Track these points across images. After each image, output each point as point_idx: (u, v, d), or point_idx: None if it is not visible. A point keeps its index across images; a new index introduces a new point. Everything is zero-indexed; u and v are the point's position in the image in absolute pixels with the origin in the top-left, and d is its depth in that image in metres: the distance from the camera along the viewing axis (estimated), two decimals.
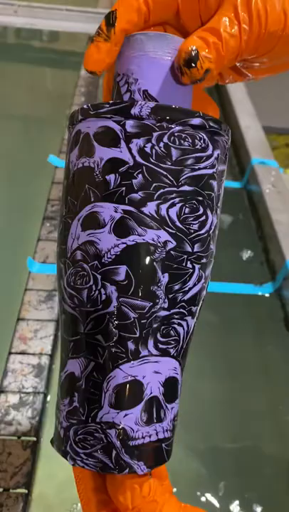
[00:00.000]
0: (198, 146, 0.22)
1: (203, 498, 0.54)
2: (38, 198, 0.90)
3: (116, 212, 0.21)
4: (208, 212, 0.22)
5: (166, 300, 0.21)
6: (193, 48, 0.21)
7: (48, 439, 0.56)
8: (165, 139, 0.21)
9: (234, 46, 0.21)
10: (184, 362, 0.23)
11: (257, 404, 0.65)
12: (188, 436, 0.60)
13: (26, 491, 0.50)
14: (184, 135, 0.21)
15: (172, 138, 0.21)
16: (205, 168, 0.22)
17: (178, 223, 0.21)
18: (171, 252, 0.21)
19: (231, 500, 0.55)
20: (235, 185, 1.05)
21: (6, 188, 0.98)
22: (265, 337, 0.75)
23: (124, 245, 0.21)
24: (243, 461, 0.59)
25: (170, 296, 0.21)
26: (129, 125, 0.21)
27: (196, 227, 0.22)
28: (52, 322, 0.67)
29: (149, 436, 0.21)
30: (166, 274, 0.21)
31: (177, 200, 0.21)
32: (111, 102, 0.22)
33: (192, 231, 0.22)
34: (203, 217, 0.22)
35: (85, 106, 0.23)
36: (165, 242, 0.21)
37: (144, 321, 0.21)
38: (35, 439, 0.54)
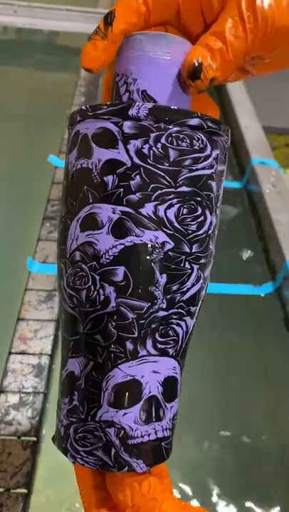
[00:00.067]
0: (196, 147, 0.22)
1: (203, 498, 0.54)
2: (38, 198, 0.90)
3: (114, 213, 0.21)
4: (207, 213, 0.22)
5: (164, 300, 0.21)
6: (197, 59, 0.21)
7: (48, 439, 0.56)
8: (163, 140, 0.21)
9: (240, 47, 0.21)
10: (184, 362, 0.23)
11: (257, 404, 0.65)
12: (188, 436, 0.60)
13: (26, 491, 0.50)
14: (181, 136, 0.21)
15: (170, 139, 0.21)
16: (203, 168, 0.22)
17: (176, 224, 0.21)
18: (169, 252, 0.21)
19: (231, 500, 0.55)
20: (235, 185, 1.05)
21: (6, 188, 0.98)
22: (265, 337, 0.75)
23: (122, 246, 0.21)
24: (243, 461, 0.59)
25: (168, 296, 0.22)
26: (127, 126, 0.21)
27: (194, 227, 0.22)
28: (52, 322, 0.67)
29: (148, 435, 0.21)
30: (165, 275, 0.21)
31: (175, 201, 0.21)
32: (109, 103, 0.22)
33: (190, 232, 0.22)
34: (202, 218, 0.22)
35: (83, 107, 0.23)
36: (163, 243, 0.21)
37: (143, 321, 0.21)
38: (35, 439, 0.54)
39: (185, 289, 0.22)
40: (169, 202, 0.21)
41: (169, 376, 0.22)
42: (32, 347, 0.64)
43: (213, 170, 0.22)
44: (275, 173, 1.00)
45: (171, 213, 0.21)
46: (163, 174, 0.21)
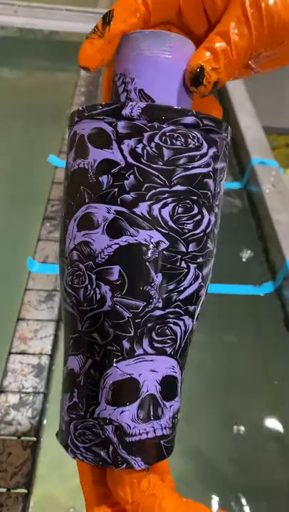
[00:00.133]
0: (191, 145, 0.21)
1: (202, 498, 0.54)
2: (38, 198, 0.90)
3: (109, 213, 0.21)
4: (204, 212, 0.22)
5: (160, 300, 0.22)
6: (198, 65, 0.21)
7: (48, 439, 0.56)
8: (156, 139, 0.21)
9: (245, 46, 0.21)
10: (184, 360, 0.23)
11: (257, 404, 0.65)
12: (188, 437, 0.60)
13: (26, 491, 0.50)
14: (176, 134, 0.21)
15: (164, 138, 0.21)
16: (199, 167, 0.22)
17: (171, 223, 0.21)
18: (164, 252, 0.21)
19: (231, 500, 0.55)
20: (235, 186, 1.05)
21: (6, 188, 0.98)
22: (265, 337, 0.75)
23: (117, 246, 0.21)
24: (242, 461, 0.59)
25: (164, 295, 0.22)
26: (121, 126, 0.21)
27: (190, 226, 0.22)
28: (52, 322, 0.67)
29: (146, 433, 0.21)
30: (160, 274, 0.21)
31: (170, 200, 0.21)
32: (104, 103, 0.22)
33: (186, 231, 0.22)
34: (199, 217, 0.22)
35: (80, 108, 0.23)
36: (158, 243, 0.21)
37: (139, 320, 0.21)
38: (35, 439, 0.54)
39: (182, 288, 0.22)
40: (164, 201, 0.21)
41: (168, 375, 0.22)
42: (32, 347, 0.64)
43: (210, 168, 0.22)
44: (275, 173, 1.00)
45: (165, 212, 0.21)
46: (157, 173, 0.21)
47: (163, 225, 0.21)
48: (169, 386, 0.22)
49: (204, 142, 0.22)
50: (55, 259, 0.76)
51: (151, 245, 0.21)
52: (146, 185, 0.21)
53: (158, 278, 0.21)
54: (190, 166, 0.22)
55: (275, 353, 0.73)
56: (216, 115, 0.26)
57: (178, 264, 0.22)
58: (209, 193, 0.22)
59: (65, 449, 0.23)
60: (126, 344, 0.21)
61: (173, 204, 0.21)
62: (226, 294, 0.79)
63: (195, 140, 0.22)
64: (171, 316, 0.22)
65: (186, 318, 0.23)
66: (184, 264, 0.22)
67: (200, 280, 0.23)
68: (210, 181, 0.22)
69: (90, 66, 0.23)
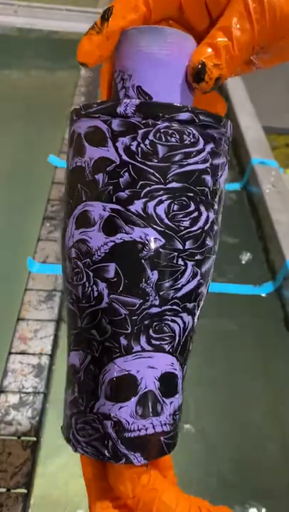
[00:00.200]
0: (186, 142, 0.21)
1: (202, 497, 0.54)
2: (38, 198, 0.90)
3: (104, 210, 0.21)
4: (202, 208, 0.22)
5: (156, 297, 0.22)
6: (200, 61, 0.21)
7: (48, 439, 0.56)
8: (151, 137, 0.21)
9: (247, 41, 0.21)
10: (184, 358, 0.23)
11: (257, 404, 0.65)
12: (188, 436, 0.60)
13: (26, 491, 0.50)
14: (170, 131, 0.21)
15: (158, 135, 0.21)
16: (195, 163, 0.22)
17: (166, 221, 0.21)
18: (160, 249, 0.21)
19: (230, 500, 0.55)
20: (235, 186, 1.05)
21: (6, 188, 0.98)
22: (265, 337, 0.75)
23: (113, 243, 0.21)
24: (242, 461, 0.59)
25: (161, 293, 0.22)
26: (115, 124, 0.21)
27: (186, 223, 0.22)
28: (52, 322, 0.67)
29: (146, 429, 0.21)
30: (156, 272, 0.21)
31: (165, 197, 0.21)
32: (99, 101, 0.22)
33: (182, 228, 0.22)
34: (196, 214, 0.22)
35: (78, 106, 0.23)
36: (153, 240, 0.21)
37: (135, 317, 0.21)
38: (35, 439, 0.54)
39: (179, 285, 0.22)
40: (159, 198, 0.21)
41: (167, 372, 0.22)
42: (32, 347, 0.64)
43: (207, 164, 0.22)
44: (275, 173, 1.00)
45: (160, 210, 0.21)
46: (152, 171, 0.21)
47: (158, 222, 0.21)
48: (168, 383, 0.22)
49: (201, 138, 0.22)
50: (55, 259, 0.76)
51: (147, 243, 0.21)
52: (140, 182, 0.21)
53: (154, 275, 0.21)
54: (186, 163, 0.21)
55: (275, 353, 0.73)
56: (220, 110, 0.25)
57: (174, 261, 0.22)
58: (207, 189, 0.22)
59: (68, 442, 0.23)
60: (123, 341, 0.22)
61: (168, 201, 0.21)
62: (226, 294, 0.79)
63: (191, 136, 0.21)
64: (168, 313, 0.22)
65: (184, 315, 0.23)
66: (180, 262, 0.22)
67: (199, 277, 0.23)
68: (208, 177, 0.22)
69: (87, 62, 0.22)
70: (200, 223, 0.22)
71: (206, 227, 0.22)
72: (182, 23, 0.24)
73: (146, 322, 0.22)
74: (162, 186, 0.21)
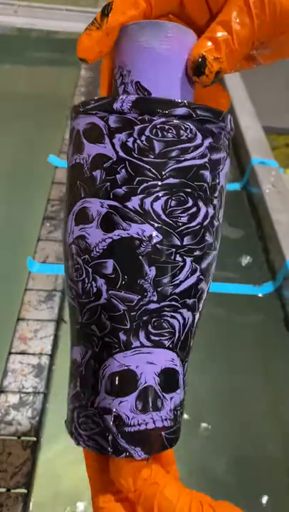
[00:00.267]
0: (183, 137, 0.21)
1: None
2: (38, 198, 0.90)
3: (102, 207, 0.22)
4: (200, 204, 0.22)
5: (154, 293, 0.22)
6: (200, 54, 0.21)
7: (48, 439, 0.56)
8: (147, 132, 0.21)
9: (247, 35, 0.21)
10: (185, 354, 0.23)
11: (257, 404, 0.65)
12: (188, 436, 0.60)
13: (26, 491, 0.50)
14: (167, 126, 0.21)
15: (154, 130, 0.21)
16: (193, 158, 0.21)
17: (163, 217, 0.21)
18: (158, 245, 0.21)
19: (230, 499, 0.55)
20: (235, 186, 1.05)
21: (6, 188, 0.98)
22: (265, 337, 0.75)
23: (110, 240, 0.21)
24: (242, 461, 0.59)
25: (159, 289, 0.22)
26: (112, 120, 0.21)
27: (184, 219, 0.22)
28: (52, 322, 0.67)
29: (146, 424, 0.22)
30: (153, 268, 0.21)
31: (162, 193, 0.21)
32: (96, 98, 0.22)
33: (180, 224, 0.22)
34: (194, 209, 0.22)
35: (77, 103, 0.23)
36: (150, 236, 0.21)
37: (134, 313, 0.22)
38: (35, 439, 0.54)
39: (177, 281, 0.22)
40: (156, 194, 0.21)
41: (167, 367, 0.22)
42: (32, 347, 0.64)
43: (205, 159, 0.22)
44: (275, 173, 1.00)
45: (157, 206, 0.21)
46: (148, 167, 0.21)
47: (155, 218, 0.21)
48: (168, 378, 0.22)
49: (198, 133, 0.22)
50: (55, 259, 0.76)
51: (144, 239, 0.21)
52: (137, 179, 0.21)
53: (152, 272, 0.21)
54: (183, 158, 0.21)
55: (275, 353, 0.73)
56: (224, 104, 0.25)
57: (172, 257, 0.22)
58: (205, 184, 0.22)
59: (70, 436, 0.23)
60: (122, 336, 0.22)
61: (165, 197, 0.21)
62: (226, 294, 0.79)
63: (188, 131, 0.21)
64: (167, 309, 0.22)
65: (184, 311, 0.23)
66: (178, 258, 0.22)
67: (198, 273, 0.23)
68: (206, 173, 0.22)
69: (87, 58, 0.22)
70: (198, 219, 0.22)
71: (205, 223, 0.22)
72: (183, 18, 0.24)
73: (144, 318, 0.22)
74: (159, 182, 0.21)
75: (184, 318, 0.23)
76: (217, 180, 0.23)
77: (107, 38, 0.22)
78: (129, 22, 0.22)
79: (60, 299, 0.71)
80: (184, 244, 0.22)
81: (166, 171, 0.21)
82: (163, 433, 0.22)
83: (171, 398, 0.22)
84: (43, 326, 0.67)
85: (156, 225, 0.21)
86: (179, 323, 0.23)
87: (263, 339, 0.75)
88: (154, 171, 0.21)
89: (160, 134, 0.21)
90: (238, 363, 0.71)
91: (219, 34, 0.21)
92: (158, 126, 0.21)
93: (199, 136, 0.22)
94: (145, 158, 0.21)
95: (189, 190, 0.22)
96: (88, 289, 0.22)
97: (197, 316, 0.24)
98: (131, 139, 0.21)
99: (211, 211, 0.23)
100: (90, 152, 0.22)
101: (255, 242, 0.91)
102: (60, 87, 1.35)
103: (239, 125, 1.13)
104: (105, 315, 0.22)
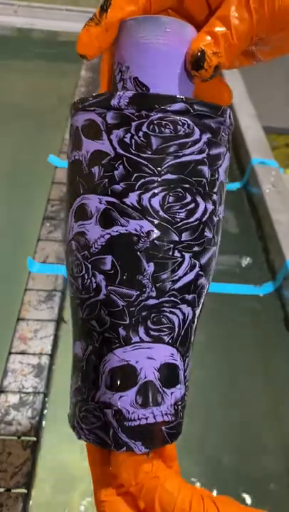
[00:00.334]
0: (181, 132, 0.21)
1: None
2: (38, 198, 0.90)
3: (100, 203, 0.22)
4: (199, 200, 0.22)
5: (153, 289, 0.22)
6: (199, 48, 0.21)
7: (48, 439, 0.56)
8: (144, 128, 0.21)
9: (245, 30, 0.21)
10: (186, 349, 0.23)
11: (257, 404, 0.65)
12: (188, 436, 0.60)
13: (26, 491, 0.50)
14: (164, 122, 0.21)
15: (151, 126, 0.21)
16: (191, 154, 0.21)
17: (161, 213, 0.21)
18: (156, 241, 0.21)
19: None
20: (235, 186, 1.05)
21: (6, 188, 0.98)
22: (265, 337, 0.75)
23: (109, 236, 0.21)
24: (243, 461, 0.59)
25: (157, 285, 0.22)
26: (110, 116, 0.21)
27: (182, 215, 0.22)
28: (52, 322, 0.67)
29: (146, 419, 0.22)
30: (152, 264, 0.21)
31: (159, 189, 0.21)
32: (94, 94, 0.22)
33: (178, 220, 0.22)
34: (192, 205, 0.22)
35: (76, 100, 0.23)
36: (148, 232, 0.21)
37: (133, 308, 0.22)
38: (35, 439, 0.54)
39: (176, 277, 0.22)
40: (153, 191, 0.21)
41: (166, 362, 0.22)
42: (32, 347, 0.64)
43: (204, 155, 0.22)
44: (275, 173, 1.00)
45: (155, 202, 0.21)
46: (146, 163, 0.21)
47: (153, 214, 0.21)
48: (168, 373, 0.22)
49: (196, 128, 0.21)
50: (55, 259, 0.76)
51: (142, 235, 0.21)
52: (135, 175, 0.21)
53: (150, 267, 0.21)
54: (181, 154, 0.21)
55: (275, 353, 0.73)
56: (227, 98, 0.25)
57: (170, 253, 0.22)
58: (204, 180, 0.22)
59: (72, 429, 0.24)
60: (122, 332, 0.22)
61: (163, 193, 0.21)
62: (226, 294, 0.79)
63: (185, 127, 0.21)
64: (166, 304, 0.22)
65: (183, 306, 0.23)
66: (177, 254, 0.22)
67: (197, 269, 0.23)
68: (204, 168, 0.22)
69: (87, 54, 0.22)
70: (197, 215, 0.22)
71: (204, 219, 0.22)
72: (182, 13, 0.24)
73: (144, 313, 0.22)
74: (157, 178, 0.21)
75: (183, 314, 0.23)
76: (216, 176, 0.23)
77: (106, 34, 0.22)
78: (128, 17, 0.22)
79: (60, 299, 0.71)
80: (183, 240, 0.22)
81: (164, 166, 0.21)
82: (163, 428, 0.22)
83: (171, 393, 0.23)
84: (43, 326, 0.67)
85: (154, 221, 0.21)
86: (179, 318, 0.23)
87: (263, 339, 0.75)
88: (151, 166, 0.21)
89: (157, 130, 0.21)
90: (238, 363, 0.71)
91: (218, 29, 0.21)
92: (155, 122, 0.21)
93: (197, 132, 0.22)
94: (143, 154, 0.21)
95: (187, 185, 0.22)
96: (88, 285, 0.22)
97: (198, 311, 0.24)
98: (128, 135, 0.21)
99: (210, 207, 0.23)
100: (89, 149, 0.22)
101: (255, 242, 0.91)
102: (60, 86, 1.36)
103: (239, 125, 1.13)
104: (105, 310, 0.22)
